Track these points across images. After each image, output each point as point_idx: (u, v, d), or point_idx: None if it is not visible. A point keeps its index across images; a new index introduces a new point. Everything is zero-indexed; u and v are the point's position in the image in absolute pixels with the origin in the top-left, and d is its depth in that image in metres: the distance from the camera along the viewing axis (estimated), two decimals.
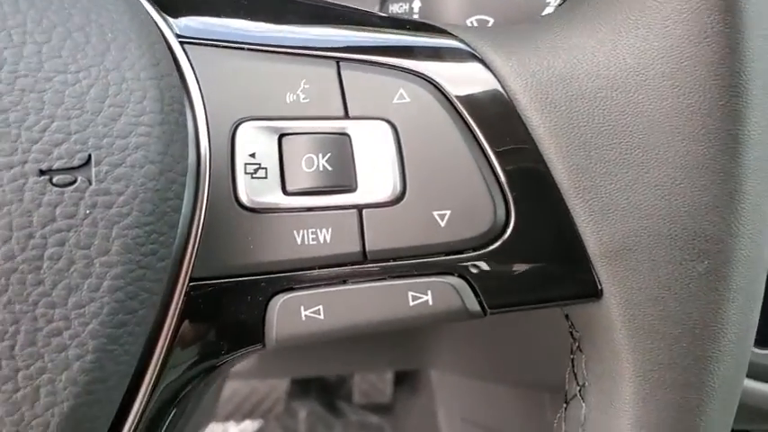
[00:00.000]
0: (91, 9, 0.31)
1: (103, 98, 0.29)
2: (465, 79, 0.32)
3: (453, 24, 0.36)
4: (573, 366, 0.36)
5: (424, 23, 0.35)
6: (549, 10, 0.49)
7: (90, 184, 0.28)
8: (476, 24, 0.50)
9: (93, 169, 0.28)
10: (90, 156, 0.28)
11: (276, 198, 0.32)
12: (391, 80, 0.33)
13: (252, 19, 0.35)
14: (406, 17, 0.51)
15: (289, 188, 0.32)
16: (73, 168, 0.28)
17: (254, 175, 0.32)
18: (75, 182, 0.28)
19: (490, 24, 0.50)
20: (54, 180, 0.28)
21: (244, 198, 0.32)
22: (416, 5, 0.51)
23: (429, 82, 0.32)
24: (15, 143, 0.28)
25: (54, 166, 0.28)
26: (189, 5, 0.35)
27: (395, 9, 0.53)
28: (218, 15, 0.35)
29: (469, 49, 0.33)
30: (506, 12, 0.50)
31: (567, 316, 0.36)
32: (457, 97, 0.32)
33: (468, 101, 0.32)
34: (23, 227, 0.27)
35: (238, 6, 0.35)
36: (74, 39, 0.30)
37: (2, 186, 0.27)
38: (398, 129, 0.32)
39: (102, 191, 0.28)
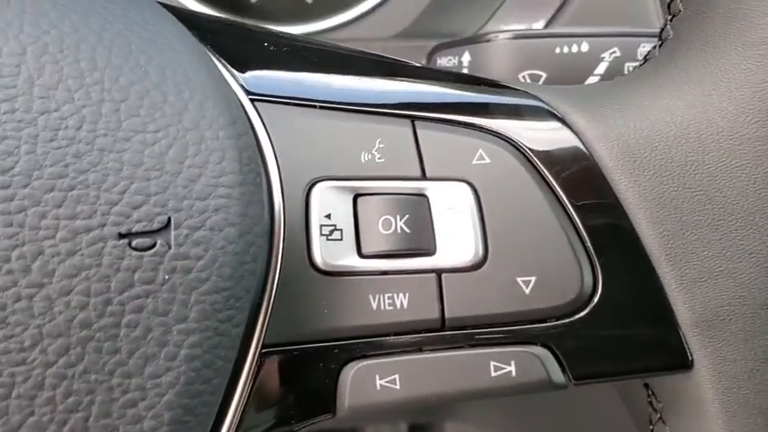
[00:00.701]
0: (166, 66, 0.30)
1: (182, 158, 0.28)
2: (546, 139, 0.31)
3: (521, 81, 0.35)
4: None
5: (497, 81, 0.34)
6: (602, 66, 0.49)
7: (169, 248, 0.27)
8: (528, 80, 0.49)
9: (173, 233, 0.27)
10: (169, 218, 0.27)
11: (352, 261, 0.31)
12: (469, 140, 0.32)
13: (322, 74, 0.34)
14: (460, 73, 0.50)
15: (364, 251, 0.31)
16: (152, 232, 0.27)
17: (329, 237, 0.31)
18: (154, 246, 0.27)
19: (542, 80, 0.49)
20: (133, 244, 0.27)
21: (319, 261, 0.30)
22: (466, 59, 0.51)
23: (509, 142, 0.32)
24: (94, 205, 0.27)
25: (133, 230, 0.27)
26: (257, 60, 0.34)
27: (443, 62, 0.53)
28: (286, 70, 0.34)
29: (549, 108, 0.32)
30: (558, 67, 0.49)
31: (646, 385, 0.34)
32: (539, 158, 0.31)
33: (551, 162, 0.31)
34: (101, 293, 0.26)
35: (307, 61, 0.35)
36: (151, 97, 0.29)
37: (80, 250, 0.26)
38: (479, 190, 0.31)
39: (181, 255, 0.27)
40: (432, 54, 0.54)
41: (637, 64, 0.49)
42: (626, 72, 0.48)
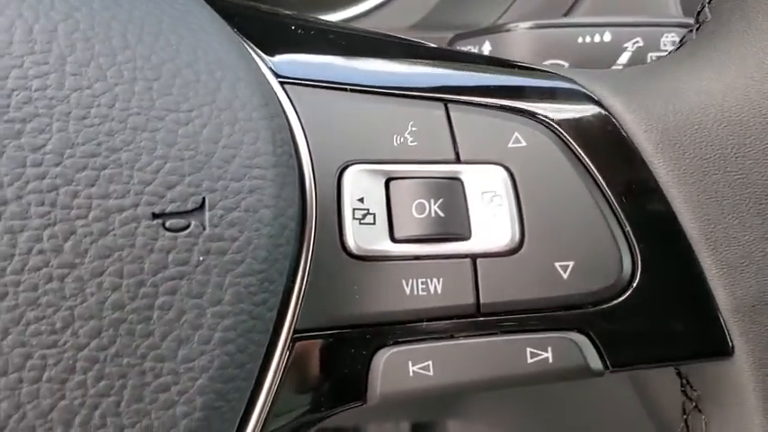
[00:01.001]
0: (197, 46, 0.30)
1: (217, 138, 0.27)
2: (584, 122, 0.31)
3: (558, 65, 0.34)
4: (688, 428, 0.34)
5: (530, 65, 0.34)
6: (625, 56, 0.48)
7: (204, 229, 0.26)
8: None
9: (208, 213, 0.27)
10: (204, 199, 0.27)
11: (385, 245, 0.30)
12: (505, 122, 0.31)
13: (352, 58, 0.33)
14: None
15: (397, 235, 0.30)
16: (186, 212, 0.26)
17: (362, 221, 0.30)
18: (188, 227, 0.26)
19: (564, 68, 0.49)
20: (167, 224, 0.26)
21: (351, 245, 0.30)
22: (486, 49, 0.50)
23: (545, 125, 0.31)
24: (128, 185, 0.26)
25: (167, 210, 0.26)
26: (285, 43, 0.34)
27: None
28: (315, 54, 0.34)
29: (585, 91, 0.32)
30: (581, 57, 0.49)
31: (679, 373, 0.34)
32: (576, 141, 0.31)
33: (589, 145, 0.31)
34: (134, 274, 0.26)
35: (336, 44, 0.34)
36: (183, 76, 0.28)
37: (113, 231, 0.26)
38: (515, 173, 0.30)
39: (215, 236, 0.27)
40: (451, 43, 0.53)
41: (660, 54, 0.48)
42: (648, 62, 0.48)
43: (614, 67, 0.48)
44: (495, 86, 0.32)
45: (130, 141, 0.26)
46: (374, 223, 0.30)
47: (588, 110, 0.31)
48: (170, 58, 0.28)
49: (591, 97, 0.31)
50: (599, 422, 0.71)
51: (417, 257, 0.30)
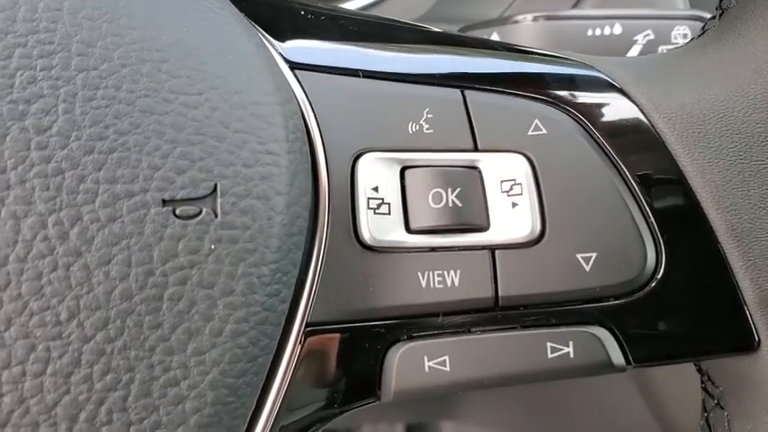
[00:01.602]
0: (207, 28, 0.28)
1: (227, 123, 0.26)
2: (606, 110, 0.30)
3: (575, 52, 0.34)
4: (709, 425, 0.33)
5: (548, 52, 0.33)
6: (636, 49, 0.48)
7: (215, 216, 0.25)
8: None
9: (219, 200, 0.25)
10: (216, 185, 0.26)
11: (400, 236, 0.29)
12: (524, 110, 0.30)
13: (364, 44, 0.32)
14: None
15: (413, 225, 0.29)
16: (197, 199, 0.25)
17: (376, 211, 0.29)
18: (199, 214, 0.25)
19: None
20: (177, 211, 0.25)
21: (365, 236, 0.29)
22: (494, 39, 0.50)
23: (566, 112, 0.30)
24: (136, 169, 0.25)
25: (178, 196, 0.25)
26: (296, 29, 0.33)
27: None
28: (327, 39, 0.33)
29: (607, 78, 0.31)
30: (591, 50, 0.48)
31: (700, 369, 0.33)
32: (599, 130, 0.30)
33: (611, 133, 0.30)
34: (143, 262, 0.25)
35: (348, 30, 0.33)
36: (193, 58, 0.27)
37: (121, 217, 0.24)
38: (535, 162, 0.29)
39: (227, 224, 0.25)
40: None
41: (670, 47, 0.47)
42: None
43: None
44: (513, 73, 0.31)
45: (139, 125, 0.25)
46: (389, 213, 0.29)
47: (611, 98, 0.30)
48: (179, 39, 0.27)
49: (613, 85, 0.31)
50: (594, 421, 0.70)
51: (434, 249, 0.29)
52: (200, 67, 0.27)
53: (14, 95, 0.24)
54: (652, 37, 0.47)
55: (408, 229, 0.29)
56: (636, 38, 0.47)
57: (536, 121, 0.30)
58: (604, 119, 0.30)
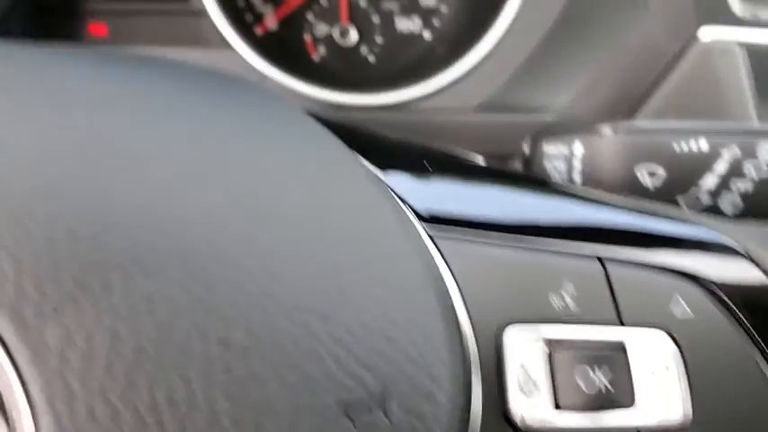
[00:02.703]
0: (350, 203, 0.29)
1: (386, 318, 0.26)
2: (748, 290, 0.30)
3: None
4: None
5: (670, 211, 0.33)
6: (721, 164, 0.48)
7: (390, 421, 0.25)
8: (646, 175, 0.48)
9: (393, 405, 0.25)
10: (386, 391, 0.25)
11: (549, 416, 0.29)
12: (664, 282, 0.30)
13: (494, 208, 0.33)
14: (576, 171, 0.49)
15: (561, 403, 0.29)
16: (372, 406, 0.25)
17: (524, 389, 0.29)
18: (375, 422, 0.25)
19: (658, 174, 0.48)
20: (357, 424, 0.25)
21: (516, 416, 0.29)
22: (578, 150, 0.50)
23: (707, 289, 0.30)
24: (319, 380, 0.25)
25: (354, 404, 0.25)
26: (426, 185, 0.33)
27: (551, 150, 0.52)
28: (458, 198, 0.33)
29: (740, 250, 0.31)
30: (676, 164, 0.48)
31: None
32: (742, 311, 0.30)
33: (752, 311, 0.30)
34: None
35: (475, 184, 0.33)
36: (342, 237, 0.27)
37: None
38: (678, 339, 0.30)
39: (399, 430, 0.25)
40: (536, 139, 0.53)
41: (756, 162, 0.48)
42: (745, 172, 0.48)
43: (709, 175, 0.48)
44: (649, 241, 0.32)
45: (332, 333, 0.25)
46: (537, 390, 0.29)
47: (746, 271, 0.31)
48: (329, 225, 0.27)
49: (750, 258, 0.31)
50: None
51: (584, 430, 0.29)
52: (358, 262, 0.27)
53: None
54: (738, 153, 0.48)
55: (557, 407, 0.29)
56: (722, 152, 0.48)
57: (676, 294, 0.30)
58: (748, 299, 0.30)
